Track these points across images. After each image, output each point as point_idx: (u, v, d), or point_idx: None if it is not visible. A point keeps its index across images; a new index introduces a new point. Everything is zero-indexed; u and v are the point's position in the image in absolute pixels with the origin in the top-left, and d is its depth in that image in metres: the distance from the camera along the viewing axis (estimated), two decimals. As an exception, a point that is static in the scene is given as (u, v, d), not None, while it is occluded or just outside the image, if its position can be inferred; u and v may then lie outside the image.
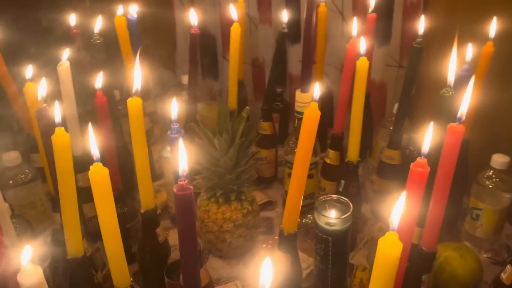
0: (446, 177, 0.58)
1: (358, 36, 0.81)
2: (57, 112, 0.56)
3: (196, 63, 0.98)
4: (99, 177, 0.49)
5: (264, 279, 0.35)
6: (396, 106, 0.97)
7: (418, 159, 0.51)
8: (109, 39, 0.93)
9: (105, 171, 0.50)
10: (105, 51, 0.87)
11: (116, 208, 0.53)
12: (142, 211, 0.73)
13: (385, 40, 1.22)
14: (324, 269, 0.76)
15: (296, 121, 0.93)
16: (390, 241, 0.39)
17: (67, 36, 0.94)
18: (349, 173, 0.86)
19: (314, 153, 0.95)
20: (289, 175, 0.97)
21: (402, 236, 0.50)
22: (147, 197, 0.72)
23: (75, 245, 0.62)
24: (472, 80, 0.56)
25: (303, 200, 0.95)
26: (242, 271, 0.87)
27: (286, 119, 1.26)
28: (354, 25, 0.82)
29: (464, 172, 0.92)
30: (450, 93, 0.65)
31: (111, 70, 0.88)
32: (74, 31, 0.95)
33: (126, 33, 0.98)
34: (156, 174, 1.08)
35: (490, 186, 0.85)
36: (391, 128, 0.98)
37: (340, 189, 0.87)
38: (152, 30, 1.41)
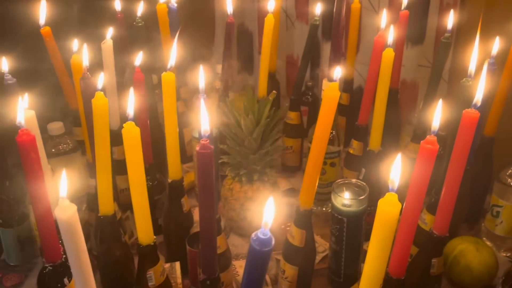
0: (460, 162, 0.60)
1: (387, 28, 0.84)
2: (100, 80, 0.61)
3: (230, 52, 1.03)
4: (131, 134, 0.55)
5: (267, 217, 0.38)
6: (421, 103, 0.98)
7: (428, 136, 0.53)
8: (149, 25, 1.00)
9: (137, 129, 0.55)
10: (146, 35, 0.93)
11: (146, 180, 0.58)
12: (169, 181, 0.78)
13: (418, 40, 1.23)
14: (338, 250, 0.79)
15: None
16: (389, 201, 0.42)
17: (113, 19, 1.01)
18: (370, 161, 0.88)
19: (338, 142, 0.98)
20: (312, 162, 1.00)
21: (408, 213, 0.53)
22: (174, 168, 0.77)
23: (107, 203, 0.68)
24: (486, 68, 0.57)
25: (324, 188, 0.99)
26: (261, 250, 0.91)
27: (315, 113, 1.28)
28: (384, 17, 0.84)
29: (488, 171, 0.93)
30: (470, 82, 0.67)
31: (151, 54, 0.94)
32: (119, 15, 1.03)
33: (166, 20, 1.04)
34: (186, 156, 1.13)
35: (512, 184, 0.85)
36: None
37: (361, 177, 0.89)
38: (192, 22, 1.47)
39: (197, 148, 0.51)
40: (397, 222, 0.44)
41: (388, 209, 0.42)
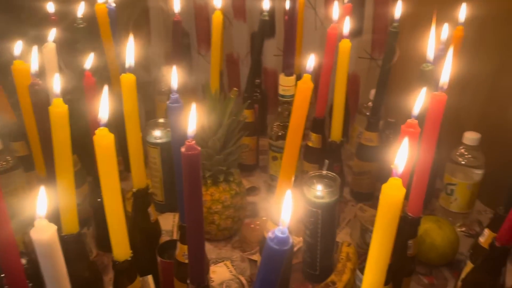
0: (431, 142, 0.62)
1: (340, 19, 0.85)
2: (56, 84, 0.55)
3: (179, 51, 0.99)
4: (104, 141, 0.50)
5: (285, 214, 0.36)
6: (372, 91, 1.02)
7: (408, 120, 0.55)
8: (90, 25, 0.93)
9: (110, 135, 0.50)
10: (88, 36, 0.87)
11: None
12: (134, 190, 0.73)
13: (357, 32, 1.27)
14: (313, 243, 0.79)
15: (279, 106, 0.95)
16: (394, 184, 0.42)
17: (47, 22, 0.93)
18: (332, 152, 0.89)
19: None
20: (274, 158, 1.00)
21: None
22: (139, 175, 0.72)
23: (71, 221, 0.62)
24: (451, 51, 0.60)
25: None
26: (231, 253, 0.89)
27: (265, 110, 1.28)
28: (335, 9, 0.86)
29: (437, 153, 0.98)
30: (430, 67, 0.70)
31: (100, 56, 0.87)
32: (53, 17, 0.94)
33: (106, 20, 0.97)
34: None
35: (463, 163, 0.91)
36: (368, 113, 1.02)
37: (324, 169, 0.90)
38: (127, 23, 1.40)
39: (183, 150, 0.48)
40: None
41: (392, 193, 0.42)
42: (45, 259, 0.43)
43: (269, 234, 0.37)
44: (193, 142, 0.48)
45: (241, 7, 1.38)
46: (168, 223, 0.94)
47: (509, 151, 0.99)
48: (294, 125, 0.64)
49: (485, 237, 0.73)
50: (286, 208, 0.37)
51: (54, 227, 0.41)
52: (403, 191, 0.42)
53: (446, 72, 0.61)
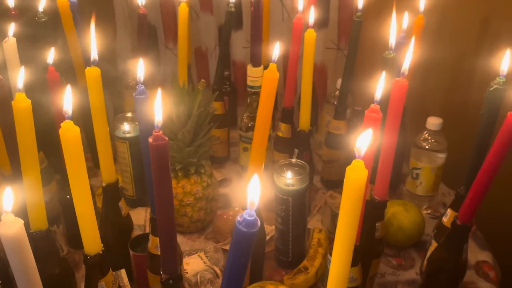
0: (394, 127, 0.64)
1: (305, 10, 0.86)
2: (20, 79, 0.54)
3: (145, 45, 0.98)
4: (70, 134, 0.49)
5: (253, 196, 0.37)
6: (339, 81, 1.04)
7: (371, 105, 0.56)
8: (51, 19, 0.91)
9: (76, 128, 0.50)
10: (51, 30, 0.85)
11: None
12: (103, 184, 0.72)
13: (323, 24, 1.29)
14: (285, 230, 0.80)
15: (248, 97, 0.96)
16: (357, 167, 0.44)
17: (7, 16, 0.90)
18: (301, 141, 0.91)
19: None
20: (244, 149, 1.00)
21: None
22: (108, 169, 0.71)
23: (39, 217, 0.61)
24: (413, 40, 0.62)
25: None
26: (204, 244, 0.89)
27: (234, 102, 1.29)
28: (301, 0, 0.87)
29: (403, 139, 1.01)
30: (392, 54, 0.72)
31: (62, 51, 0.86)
32: (13, 12, 0.92)
33: (69, 13, 0.95)
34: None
35: (427, 147, 0.94)
36: (335, 102, 1.04)
37: (294, 158, 0.91)
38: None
39: (150, 140, 0.48)
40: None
41: (356, 175, 0.44)
42: (13, 254, 0.42)
43: (238, 218, 0.37)
44: (161, 132, 0.48)
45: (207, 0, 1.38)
46: (140, 218, 0.94)
47: (469, 135, 1.03)
48: (262, 114, 0.65)
49: (448, 217, 0.76)
50: (253, 191, 0.38)
51: (20, 221, 0.41)
52: (365, 172, 0.44)
53: (408, 58, 0.63)
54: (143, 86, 0.57)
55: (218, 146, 1.10)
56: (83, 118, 0.91)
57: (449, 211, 0.76)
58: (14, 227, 0.41)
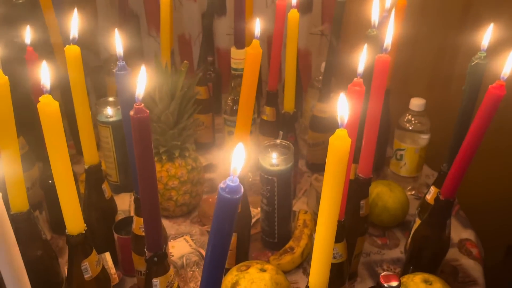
0: (377, 102, 0.65)
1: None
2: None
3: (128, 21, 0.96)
4: (49, 108, 0.48)
5: (236, 163, 0.37)
6: (323, 64, 1.04)
7: (354, 79, 0.56)
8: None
9: (55, 103, 0.49)
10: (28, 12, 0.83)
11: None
12: (86, 167, 0.71)
13: (307, 9, 1.29)
14: (270, 211, 0.80)
15: (232, 80, 0.95)
16: (340, 136, 0.44)
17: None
18: (286, 123, 0.91)
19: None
20: (229, 133, 1.00)
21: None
22: (90, 151, 0.70)
23: (19, 198, 0.60)
24: (393, 13, 0.62)
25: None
26: (190, 228, 0.89)
27: (219, 89, 1.28)
28: (283, -19, 0.86)
29: (386, 121, 1.02)
30: (375, 32, 0.72)
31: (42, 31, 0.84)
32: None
33: (48, -3, 0.94)
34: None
35: (410, 128, 0.95)
36: (320, 86, 1.04)
37: (279, 140, 0.91)
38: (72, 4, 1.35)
39: (131, 113, 0.47)
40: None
41: (339, 144, 0.44)
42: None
43: (221, 184, 0.37)
44: (142, 105, 0.47)
45: (190, -14, 1.36)
46: (125, 203, 0.93)
47: (452, 116, 1.04)
48: (246, 92, 0.64)
49: (431, 194, 0.76)
50: (237, 157, 0.37)
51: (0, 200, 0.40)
52: (349, 141, 0.44)
53: (389, 33, 0.63)
54: (124, 62, 0.56)
55: (203, 131, 1.09)
56: (65, 104, 0.89)
57: (432, 188, 0.76)
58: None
